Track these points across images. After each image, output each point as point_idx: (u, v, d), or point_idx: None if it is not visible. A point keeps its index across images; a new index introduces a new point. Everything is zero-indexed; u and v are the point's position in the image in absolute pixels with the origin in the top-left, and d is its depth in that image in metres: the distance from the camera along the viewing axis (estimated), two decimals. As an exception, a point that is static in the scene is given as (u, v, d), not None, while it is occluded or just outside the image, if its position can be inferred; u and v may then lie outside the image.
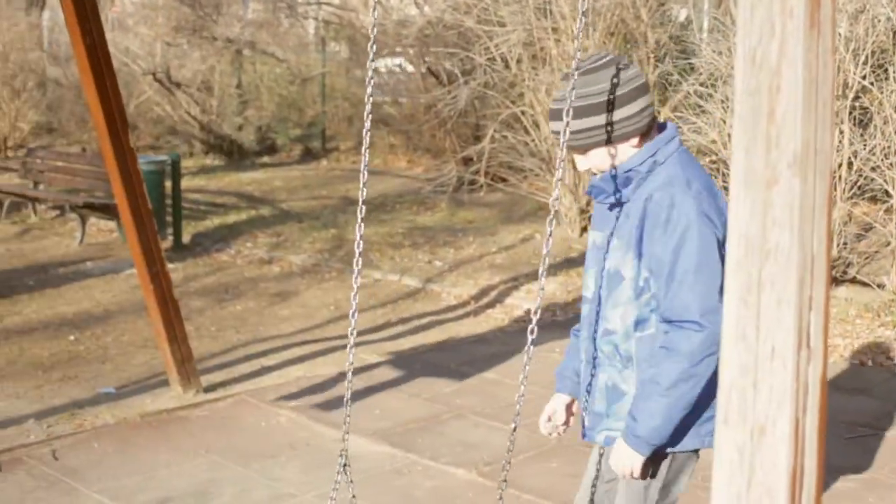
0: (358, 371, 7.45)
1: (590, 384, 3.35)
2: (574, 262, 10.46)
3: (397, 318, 9.15)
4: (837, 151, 8.74)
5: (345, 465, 3.23)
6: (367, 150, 2.88)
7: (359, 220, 3.05)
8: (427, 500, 5.35)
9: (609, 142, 3.10)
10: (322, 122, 20.46)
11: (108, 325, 8.95)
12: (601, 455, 3.51)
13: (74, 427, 6.47)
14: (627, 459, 3.16)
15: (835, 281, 9.04)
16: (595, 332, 3.30)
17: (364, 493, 5.34)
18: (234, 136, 19.49)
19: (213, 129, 19.51)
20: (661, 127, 3.24)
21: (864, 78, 8.82)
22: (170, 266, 7.63)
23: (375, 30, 2.98)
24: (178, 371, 7.02)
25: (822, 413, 1.62)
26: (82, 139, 20.92)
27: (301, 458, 5.94)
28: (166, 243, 11.73)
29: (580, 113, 3.04)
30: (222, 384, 7.28)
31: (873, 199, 9.42)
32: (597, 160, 3.17)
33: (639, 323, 3.17)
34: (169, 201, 12.54)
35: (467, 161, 14.47)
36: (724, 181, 9.13)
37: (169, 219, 12.46)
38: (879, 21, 8.85)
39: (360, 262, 3.05)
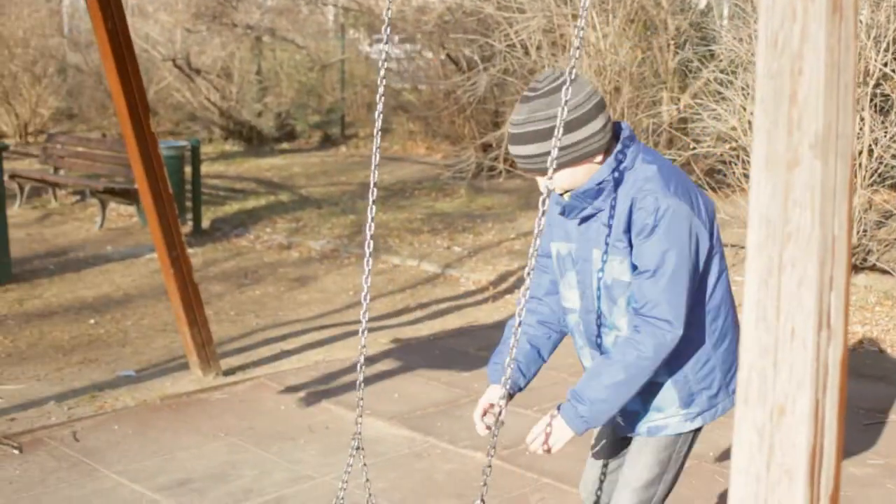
0: (377, 356, 7.48)
1: None
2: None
3: (416, 304, 9.17)
4: (858, 139, 8.71)
5: (358, 447, 3.25)
6: (379, 133, 2.90)
7: (370, 201, 3.06)
8: (446, 483, 5.38)
9: (574, 161, 3.06)
10: (341, 109, 20.47)
11: (128, 308, 8.99)
12: (612, 437, 3.55)
13: (95, 409, 6.52)
14: (557, 433, 3.14)
15: (854, 268, 9.01)
16: (600, 341, 3.29)
17: (383, 476, 5.38)
18: (254, 123, 19.53)
19: (233, 115, 19.55)
20: (615, 127, 3.21)
21: (885, 65, 8.78)
22: (189, 251, 7.66)
23: (390, 12, 2.98)
24: (197, 354, 7.05)
25: (841, 394, 1.63)
26: (102, 125, 21.00)
27: (320, 440, 5.97)
28: (186, 228, 11.77)
29: (545, 135, 3.00)
30: (242, 368, 7.32)
31: (894, 187, 9.39)
32: (561, 181, 3.13)
33: None
34: (188, 186, 12.58)
35: (486, 147, 14.48)
36: (743, 167, 9.12)
37: (188, 204, 12.51)
38: (901, 8, 8.81)
39: (372, 245, 3.04)
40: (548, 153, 2.90)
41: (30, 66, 20.26)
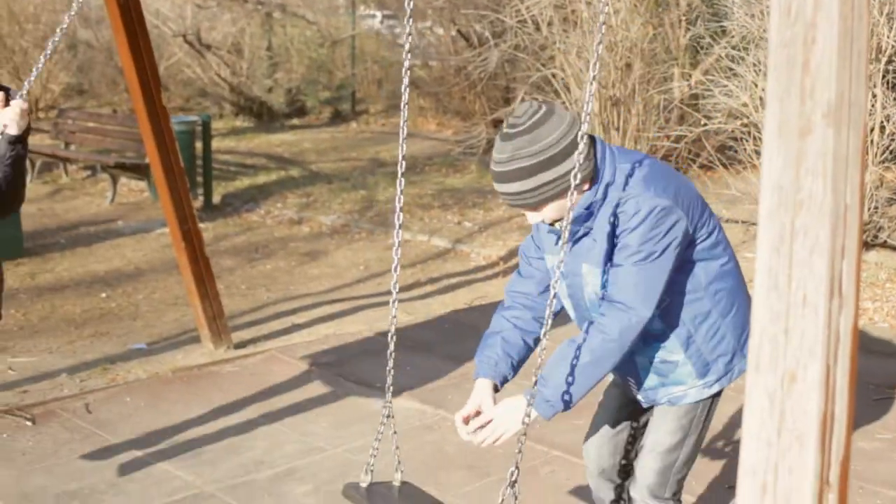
0: (387, 330, 7.49)
1: (626, 371, 3.42)
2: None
3: (427, 279, 9.19)
4: (870, 115, 8.69)
5: (388, 415, 3.33)
6: (406, 106, 2.93)
7: (399, 173, 3.11)
8: (456, 455, 5.41)
9: (562, 193, 3.05)
10: (352, 85, 20.45)
11: (139, 282, 9.03)
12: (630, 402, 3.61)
13: (107, 381, 6.56)
14: (516, 418, 3.15)
15: (865, 245, 9.00)
16: None
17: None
18: (264, 99, 19.52)
19: (243, 91, 19.54)
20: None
21: (898, 41, 8.75)
22: (200, 226, 7.68)
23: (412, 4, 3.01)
24: (209, 327, 7.08)
25: (852, 361, 1.64)
26: (112, 101, 21.01)
27: (330, 413, 6.00)
28: (197, 204, 11.78)
29: (530, 171, 3.02)
30: (252, 341, 7.35)
31: (906, 164, 9.37)
32: (550, 213, 3.15)
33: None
34: (199, 162, 12.59)
35: (497, 123, 14.45)
36: (755, 144, 9.10)
37: (199, 179, 12.53)
38: (914, -16, 8.76)
39: (401, 217, 3.13)
40: (534, 189, 3.01)
41: (40, 42, 20.22)
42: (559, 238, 3.20)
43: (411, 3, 2.99)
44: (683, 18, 12.06)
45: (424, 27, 17.85)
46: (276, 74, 19.90)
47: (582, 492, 4.74)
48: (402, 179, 3.17)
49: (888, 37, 8.70)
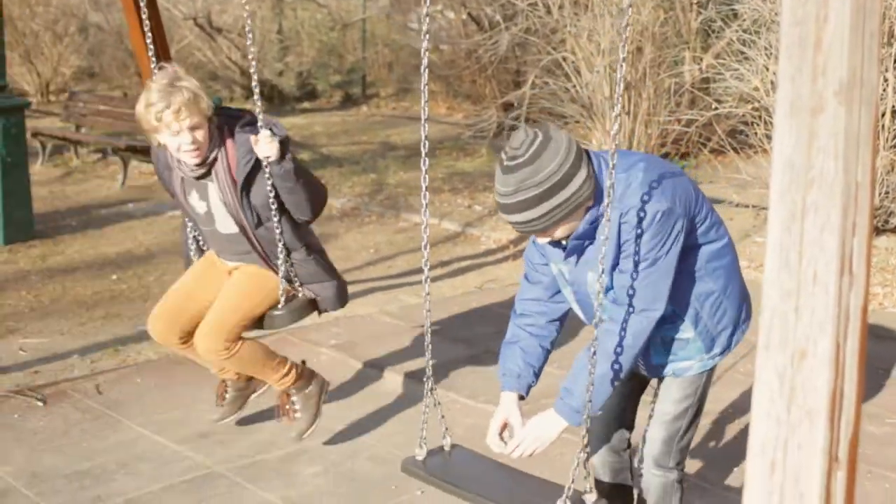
0: (397, 312, 7.52)
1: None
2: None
3: (437, 262, 9.19)
4: (882, 100, 8.66)
5: (432, 388, 3.56)
6: (426, 87, 2.98)
7: (423, 154, 3.16)
8: (466, 437, 5.37)
9: (570, 214, 3.17)
10: (362, 69, 20.44)
11: (150, 265, 9.05)
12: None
13: (118, 362, 6.58)
14: (549, 430, 3.38)
15: (876, 230, 8.99)
16: None
17: (406, 430, 5.43)
18: (275, 82, 19.52)
19: (254, 74, 19.51)
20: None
21: (910, 25, 8.71)
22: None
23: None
24: (219, 310, 7.08)
25: (862, 339, 1.64)
26: (123, 84, 21.01)
27: (340, 394, 6.01)
28: (207, 186, 11.80)
29: (538, 200, 3.11)
30: (263, 323, 7.36)
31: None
32: (560, 233, 3.26)
33: None
34: (210, 144, 12.57)
35: (507, 107, 14.44)
36: (765, 128, 9.09)
37: (210, 162, 12.51)
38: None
39: (427, 197, 3.25)
40: (541, 216, 3.12)
41: (51, 25, 20.27)
42: (565, 250, 3.34)
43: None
44: (695, 2, 12.03)
45: (435, 10, 17.83)
46: (287, 58, 19.90)
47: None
48: (426, 160, 3.31)
49: (901, 21, 8.66)
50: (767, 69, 9.06)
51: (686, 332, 3.44)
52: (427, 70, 3.18)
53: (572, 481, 3.17)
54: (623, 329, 3.21)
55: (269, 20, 19.97)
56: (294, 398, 5.06)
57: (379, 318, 7.38)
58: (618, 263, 3.25)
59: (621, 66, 2.99)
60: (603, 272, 3.13)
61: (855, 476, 1.66)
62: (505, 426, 3.52)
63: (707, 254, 3.38)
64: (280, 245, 4.58)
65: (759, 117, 9.24)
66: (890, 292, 7.90)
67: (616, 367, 3.25)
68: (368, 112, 18.74)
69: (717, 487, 4.87)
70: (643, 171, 3.22)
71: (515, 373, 3.53)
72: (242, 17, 19.13)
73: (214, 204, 4.62)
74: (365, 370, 6.36)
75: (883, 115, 8.77)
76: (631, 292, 3.19)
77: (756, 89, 9.16)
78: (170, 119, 4.37)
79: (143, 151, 12.59)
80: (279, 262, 4.58)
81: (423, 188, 3.41)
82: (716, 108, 10.08)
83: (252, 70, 4.44)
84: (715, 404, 5.75)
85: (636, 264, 3.16)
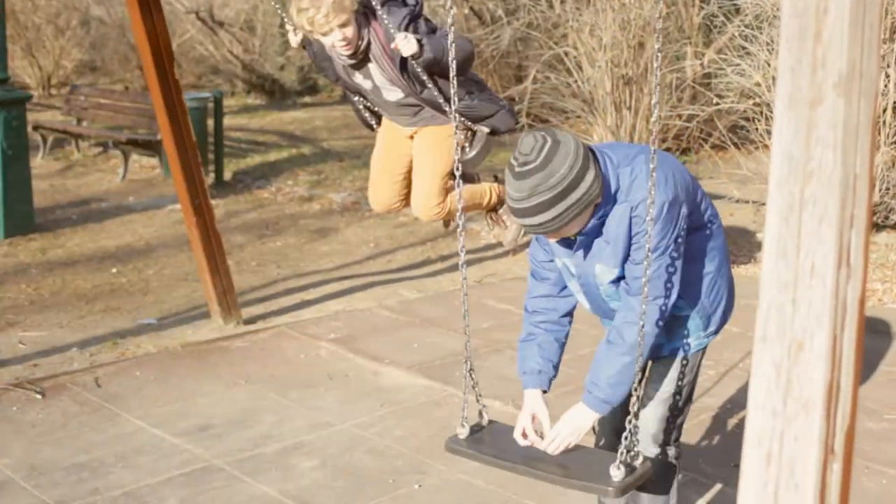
0: (397, 307, 7.52)
1: None
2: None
3: (437, 256, 9.19)
4: (882, 95, 8.65)
5: (471, 370, 3.60)
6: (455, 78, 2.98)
7: (455, 144, 3.18)
8: (464, 432, 5.41)
9: (582, 213, 3.25)
10: (364, 63, 20.40)
11: (150, 258, 9.04)
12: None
13: (117, 356, 6.58)
14: (583, 423, 3.49)
15: (876, 226, 8.98)
16: (613, 314, 3.56)
17: (404, 424, 5.43)
18: (276, 76, 19.51)
19: (256, 68, 19.53)
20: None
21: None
22: (211, 202, 7.69)
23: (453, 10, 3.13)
24: (219, 302, 7.10)
25: (859, 332, 1.64)
26: (125, 77, 21.02)
27: (339, 388, 6.01)
28: (208, 180, 11.75)
29: (551, 203, 3.18)
30: (262, 317, 7.36)
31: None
32: (573, 231, 3.33)
33: None
34: (211, 139, 12.59)
35: (509, 102, 14.41)
36: (766, 124, 9.07)
37: (211, 156, 12.52)
38: (929, -37, 8.71)
39: (462, 184, 3.30)
40: (555, 217, 3.20)
41: (53, 19, 20.24)
42: (574, 247, 3.42)
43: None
44: (697, -2, 12.02)
45: (438, 5, 17.81)
46: (289, 52, 19.87)
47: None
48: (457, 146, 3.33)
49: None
50: (769, 64, 9.04)
51: (685, 310, 3.56)
52: (454, 62, 3.30)
53: (624, 448, 3.29)
54: (642, 319, 3.27)
55: (270, 14, 19.94)
56: (500, 210, 5.73)
57: (378, 312, 7.37)
58: (629, 255, 3.34)
59: (657, 55, 3.05)
60: (615, 265, 3.23)
61: (850, 468, 1.66)
62: (533, 419, 3.58)
63: (703, 235, 3.51)
64: (443, 102, 4.94)
65: (761, 113, 9.22)
66: (889, 288, 7.89)
67: (636, 353, 3.33)
68: (370, 106, 18.71)
69: (714, 481, 4.87)
70: (643, 163, 3.30)
71: (536, 370, 3.62)
72: (244, 10, 19.10)
73: (378, 80, 5.02)
74: (363, 364, 6.36)
75: (884, 111, 8.75)
76: (645, 282, 3.24)
77: (757, 85, 9.14)
78: (322, 21, 4.70)
79: (144, 145, 12.60)
80: (449, 113, 4.80)
81: (457, 176, 3.63)
82: (717, 104, 10.06)
83: None
84: (714, 399, 5.76)
85: (648, 254, 3.23)
